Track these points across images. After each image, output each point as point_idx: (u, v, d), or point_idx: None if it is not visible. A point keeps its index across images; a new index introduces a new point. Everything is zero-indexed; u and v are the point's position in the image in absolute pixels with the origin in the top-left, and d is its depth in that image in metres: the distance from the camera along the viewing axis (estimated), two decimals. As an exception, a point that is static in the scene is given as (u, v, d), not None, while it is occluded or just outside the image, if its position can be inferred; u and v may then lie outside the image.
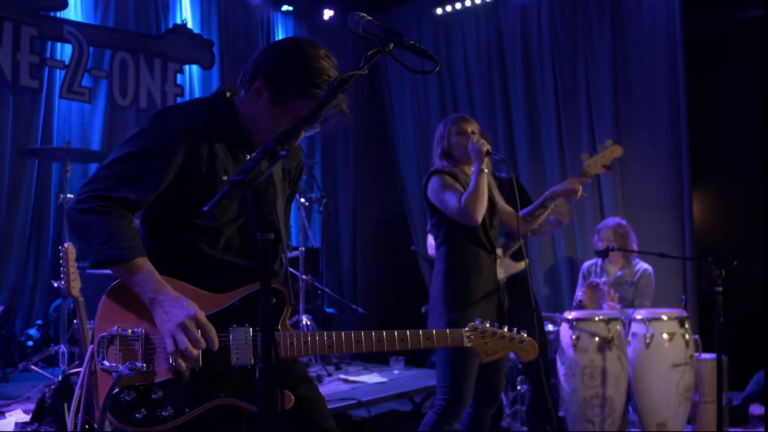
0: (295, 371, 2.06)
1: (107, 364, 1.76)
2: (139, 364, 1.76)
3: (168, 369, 1.77)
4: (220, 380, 1.81)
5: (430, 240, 4.13)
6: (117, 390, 1.74)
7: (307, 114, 1.54)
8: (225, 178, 1.89)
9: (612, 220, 5.15)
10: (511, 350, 2.16)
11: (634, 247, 5.01)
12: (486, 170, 3.19)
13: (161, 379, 1.78)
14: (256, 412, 1.82)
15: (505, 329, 2.15)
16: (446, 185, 3.25)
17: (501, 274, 3.38)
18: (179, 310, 1.74)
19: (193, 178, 1.87)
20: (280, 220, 2.02)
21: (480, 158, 3.17)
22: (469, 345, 2.09)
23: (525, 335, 2.17)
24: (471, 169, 3.28)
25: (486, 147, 3.18)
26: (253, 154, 1.36)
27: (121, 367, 1.74)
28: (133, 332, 1.79)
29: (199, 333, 1.76)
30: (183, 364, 1.76)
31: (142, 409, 1.75)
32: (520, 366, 4.92)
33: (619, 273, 5.04)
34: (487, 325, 2.12)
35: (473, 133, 3.34)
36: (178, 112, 1.94)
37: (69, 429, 2.24)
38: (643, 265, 5.02)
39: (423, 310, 7.04)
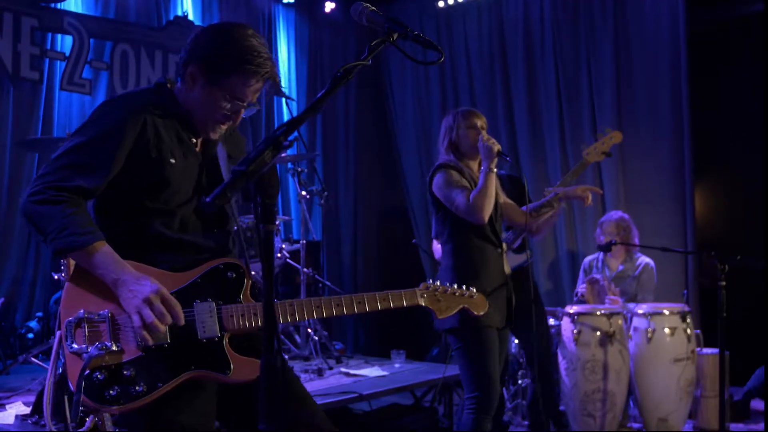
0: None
1: (76, 346, 1.78)
2: (108, 344, 1.78)
3: (137, 346, 1.81)
4: (189, 354, 1.86)
5: (437, 245, 4.09)
6: (88, 371, 1.76)
7: (312, 103, 1.53)
8: (173, 161, 1.96)
9: (615, 214, 5.14)
10: (463, 305, 2.29)
11: (636, 241, 5.00)
12: (495, 170, 3.19)
13: (131, 357, 1.81)
14: (227, 383, 1.90)
15: (455, 286, 2.29)
16: (453, 181, 3.24)
17: (508, 268, 3.38)
18: (143, 287, 1.79)
19: (141, 162, 1.92)
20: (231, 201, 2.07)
21: (491, 158, 3.17)
22: (422, 303, 2.20)
23: (474, 291, 2.33)
24: (476, 164, 3.29)
25: (497, 147, 3.19)
26: (258, 144, 1.36)
27: (90, 348, 1.76)
28: (98, 314, 1.82)
29: (164, 308, 1.81)
30: (150, 339, 1.80)
31: (116, 387, 1.77)
32: (521, 361, 4.92)
33: (620, 267, 5.04)
34: (438, 283, 2.26)
35: (482, 128, 3.34)
36: (124, 101, 1.99)
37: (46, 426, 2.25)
38: (644, 259, 5.01)
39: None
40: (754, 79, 5.47)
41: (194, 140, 2.04)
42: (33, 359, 4.41)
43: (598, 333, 4.31)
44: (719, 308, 3.46)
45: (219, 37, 1.95)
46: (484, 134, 3.26)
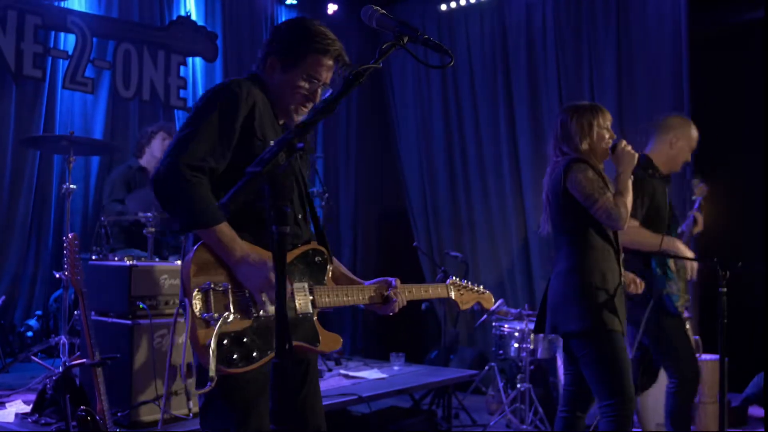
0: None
1: (206, 314, 1.94)
2: (235, 314, 1.97)
3: (251, 318, 2.00)
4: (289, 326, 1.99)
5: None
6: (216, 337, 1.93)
7: (328, 101, 1.54)
8: (272, 142, 2.11)
9: None
10: (477, 301, 2.60)
11: None
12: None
13: (245, 326, 1.99)
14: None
15: (469, 283, 2.61)
16: (594, 180, 3.09)
17: (622, 272, 3.25)
18: (264, 269, 1.97)
19: (249, 143, 2.10)
20: (304, 192, 2.32)
21: (632, 164, 3.13)
22: (452, 296, 2.53)
23: (482, 288, 2.65)
24: (601, 166, 3.22)
25: (637, 155, 3.16)
26: (271, 145, 1.37)
27: (218, 315, 1.94)
28: (221, 285, 1.99)
29: None
30: (270, 311, 2.00)
31: (238, 351, 1.95)
32: (521, 365, 4.93)
33: None
34: (457, 279, 2.60)
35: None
36: (234, 83, 2.14)
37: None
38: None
39: (423, 306, 7.04)
40: (755, 84, 5.48)
41: (281, 123, 2.25)
42: (33, 357, 4.40)
43: (598, 337, 4.31)
44: (720, 315, 3.45)
45: (293, 27, 2.22)
46: (623, 141, 3.17)
